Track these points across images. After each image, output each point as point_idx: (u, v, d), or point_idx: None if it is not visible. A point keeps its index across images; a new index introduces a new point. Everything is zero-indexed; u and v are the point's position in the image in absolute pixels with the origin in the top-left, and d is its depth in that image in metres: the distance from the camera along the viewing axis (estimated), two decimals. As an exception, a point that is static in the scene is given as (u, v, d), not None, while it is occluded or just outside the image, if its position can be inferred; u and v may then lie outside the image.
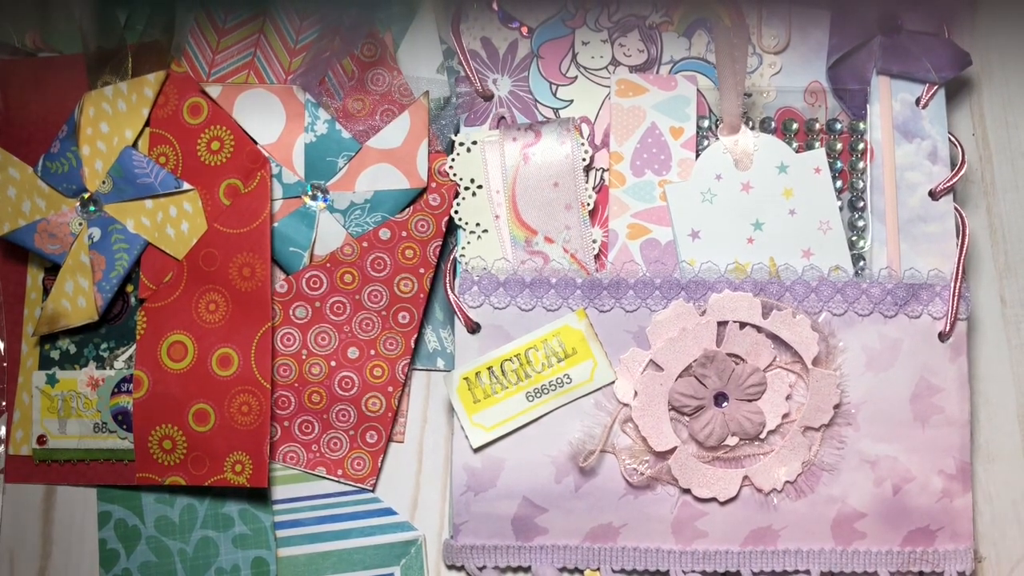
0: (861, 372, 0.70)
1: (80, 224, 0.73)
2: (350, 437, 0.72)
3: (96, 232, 0.72)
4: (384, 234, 0.72)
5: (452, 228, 0.73)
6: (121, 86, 0.73)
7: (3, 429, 0.75)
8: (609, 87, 0.74)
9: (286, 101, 0.73)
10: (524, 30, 0.76)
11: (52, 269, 0.74)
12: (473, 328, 0.71)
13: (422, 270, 0.72)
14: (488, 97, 0.75)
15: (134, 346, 0.73)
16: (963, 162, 0.72)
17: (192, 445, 0.70)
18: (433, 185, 0.73)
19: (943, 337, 0.70)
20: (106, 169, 0.72)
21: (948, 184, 0.72)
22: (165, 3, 0.75)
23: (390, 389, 0.72)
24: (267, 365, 0.70)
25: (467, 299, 0.71)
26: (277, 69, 0.76)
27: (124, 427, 0.72)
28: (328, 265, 0.72)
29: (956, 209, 0.72)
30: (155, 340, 0.72)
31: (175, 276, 0.72)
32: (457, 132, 0.74)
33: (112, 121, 0.73)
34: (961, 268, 0.71)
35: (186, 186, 0.72)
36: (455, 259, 0.72)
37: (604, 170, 0.73)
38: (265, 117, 0.73)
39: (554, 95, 0.75)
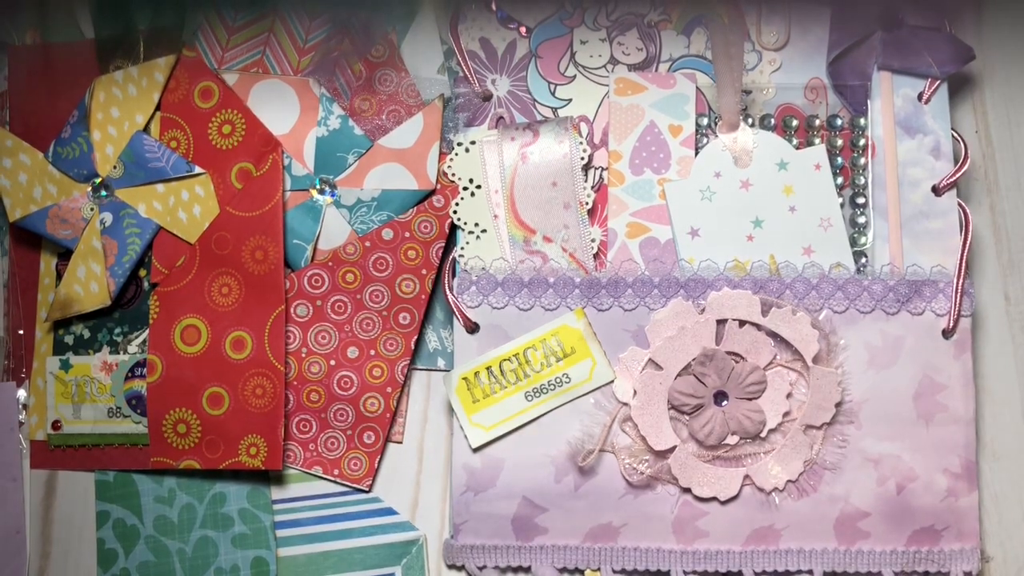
0: (863, 370, 0.70)
1: (92, 209, 0.73)
2: (348, 437, 0.73)
3: (108, 217, 0.73)
4: (387, 234, 0.72)
5: (453, 229, 0.73)
6: (131, 70, 0.73)
7: (23, 393, 0.75)
8: (608, 86, 0.74)
9: (301, 93, 0.74)
10: (522, 30, 0.76)
11: (65, 254, 0.75)
12: (472, 328, 0.71)
13: (424, 271, 0.73)
14: (487, 97, 0.75)
15: (147, 330, 0.73)
16: (966, 157, 0.72)
17: (207, 429, 0.71)
18: (438, 187, 0.73)
19: (947, 334, 0.70)
20: (117, 154, 0.73)
21: (952, 179, 0.72)
22: (174, 4, 0.76)
23: (389, 390, 0.72)
24: (281, 347, 0.71)
25: (465, 299, 0.71)
26: (286, 68, 0.76)
27: (138, 411, 0.73)
28: (330, 264, 0.73)
29: (960, 204, 0.72)
30: (168, 324, 0.72)
31: (187, 260, 0.72)
32: (458, 132, 0.74)
33: (123, 105, 0.73)
34: (964, 264, 0.70)
35: (198, 170, 0.73)
36: (454, 259, 0.72)
37: (603, 169, 0.73)
38: (279, 108, 0.74)
39: (553, 94, 0.75)
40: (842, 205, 0.72)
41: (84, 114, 0.73)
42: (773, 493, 0.69)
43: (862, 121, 0.73)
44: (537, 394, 0.70)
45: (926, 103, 0.73)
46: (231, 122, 0.73)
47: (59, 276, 0.75)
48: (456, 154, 0.73)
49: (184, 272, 0.72)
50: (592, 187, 0.73)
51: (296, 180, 0.73)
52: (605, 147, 0.73)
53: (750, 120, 0.73)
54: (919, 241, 0.72)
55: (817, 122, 0.73)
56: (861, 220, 0.72)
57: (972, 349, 0.70)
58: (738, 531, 0.70)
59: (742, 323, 0.69)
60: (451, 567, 0.73)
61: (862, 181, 0.72)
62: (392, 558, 0.73)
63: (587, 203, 0.71)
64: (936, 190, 0.72)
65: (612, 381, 0.70)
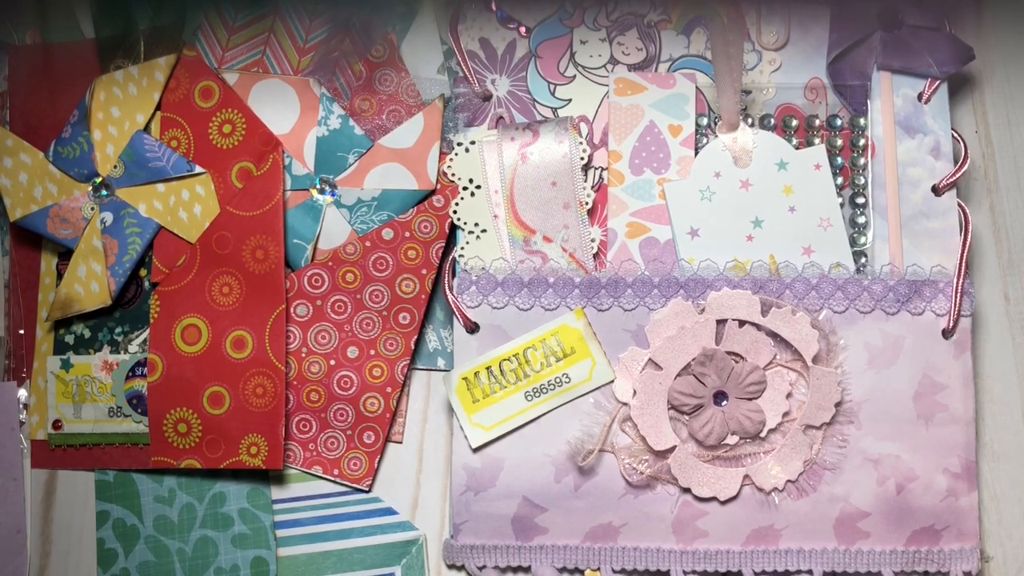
0: (863, 370, 0.70)
1: (92, 209, 0.73)
2: (347, 437, 0.73)
3: (108, 216, 0.73)
4: (387, 234, 0.73)
5: (453, 229, 0.73)
6: (132, 70, 0.73)
7: (23, 392, 0.75)
8: (607, 86, 0.74)
9: (302, 93, 0.74)
10: (522, 30, 0.76)
11: (65, 254, 0.75)
12: (471, 328, 0.71)
13: (424, 271, 0.73)
14: (487, 97, 0.75)
15: (148, 330, 0.73)
16: (966, 156, 0.72)
17: (207, 428, 0.71)
18: (438, 187, 0.73)
19: (947, 334, 0.70)
20: (117, 153, 0.73)
21: (952, 179, 0.72)
22: (174, 4, 0.76)
23: (389, 390, 0.72)
24: (281, 347, 0.71)
25: (465, 299, 0.71)
26: (286, 68, 0.76)
27: (139, 411, 0.73)
28: (330, 264, 0.73)
29: (960, 204, 0.72)
30: (169, 323, 0.72)
31: (188, 260, 0.72)
32: (458, 132, 0.74)
33: (123, 105, 0.73)
34: (964, 264, 0.70)
35: (198, 169, 0.73)
36: (454, 259, 0.72)
37: (603, 169, 0.73)
38: (280, 107, 0.74)
39: (552, 94, 0.75)
40: (842, 205, 0.72)
41: (84, 114, 0.73)
42: (773, 493, 0.69)
43: (862, 121, 0.73)
44: (537, 394, 0.70)
45: (926, 103, 0.73)
46: (231, 122, 0.73)
47: (60, 276, 0.75)
48: (456, 154, 0.73)
49: (185, 272, 0.72)
50: (592, 187, 0.73)
51: (296, 180, 0.73)
52: (605, 147, 0.73)
53: (750, 120, 0.73)
54: (919, 241, 0.72)
55: (817, 122, 0.73)
56: (861, 220, 0.72)
57: (972, 349, 0.70)
58: (738, 531, 0.70)
59: (742, 323, 0.69)
60: (451, 567, 0.73)
61: (862, 181, 0.72)
62: (392, 558, 0.73)
63: (587, 203, 0.71)
64: (936, 190, 0.72)
65: (612, 381, 0.70)
